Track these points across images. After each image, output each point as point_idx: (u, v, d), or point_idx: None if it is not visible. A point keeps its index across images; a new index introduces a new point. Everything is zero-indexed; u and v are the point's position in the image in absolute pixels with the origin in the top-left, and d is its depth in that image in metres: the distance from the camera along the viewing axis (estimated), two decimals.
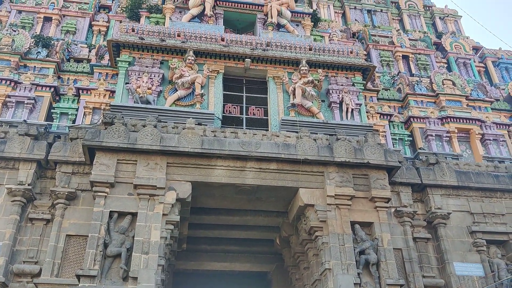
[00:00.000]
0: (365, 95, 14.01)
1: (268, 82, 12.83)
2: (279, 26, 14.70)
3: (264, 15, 14.83)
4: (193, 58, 12.20)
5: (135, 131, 10.11)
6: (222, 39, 12.95)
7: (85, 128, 10.80)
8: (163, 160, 9.94)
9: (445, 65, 16.78)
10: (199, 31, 12.97)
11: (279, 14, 14.66)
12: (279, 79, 12.73)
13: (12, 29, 13.50)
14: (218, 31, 13.46)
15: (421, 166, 11.81)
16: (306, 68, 12.54)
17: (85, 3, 15.66)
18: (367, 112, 13.50)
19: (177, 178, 9.92)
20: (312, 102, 12.39)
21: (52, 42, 13.67)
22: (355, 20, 18.01)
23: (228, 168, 10.14)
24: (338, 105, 12.52)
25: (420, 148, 13.32)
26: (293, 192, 10.50)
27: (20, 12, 15.04)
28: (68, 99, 12.65)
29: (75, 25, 14.98)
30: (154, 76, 11.98)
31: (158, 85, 11.92)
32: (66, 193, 9.82)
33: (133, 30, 12.56)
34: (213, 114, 11.56)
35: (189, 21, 14.07)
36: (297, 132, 10.95)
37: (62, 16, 15.14)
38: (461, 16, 19.07)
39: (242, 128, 11.88)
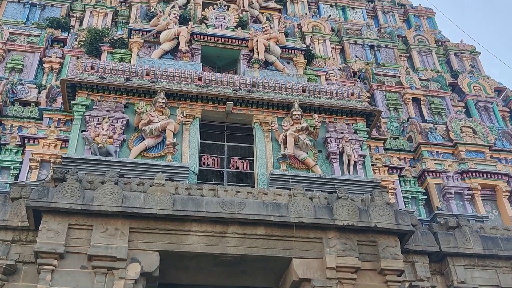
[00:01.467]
0: (369, 145, 14.23)
1: (254, 129, 13.01)
2: (266, 64, 15.10)
3: (249, 50, 15.26)
4: (164, 101, 12.38)
5: (92, 189, 10.06)
6: (200, 79, 13.22)
7: (30, 185, 10.70)
8: (125, 225, 9.83)
9: (463, 110, 17.24)
10: (172, 69, 13.25)
11: (267, 49, 15.10)
12: (267, 125, 12.92)
13: None
14: (194, 69, 13.78)
15: (440, 230, 11.86)
16: (299, 112, 12.78)
17: (35, 36, 15.98)
18: (372, 165, 13.66)
19: (142, 247, 9.78)
20: (307, 153, 12.54)
21: None
22: (356, 57, 18.61)
23: (205, 234, 10.06)
24: (338, 157, 12.69)
25: (437, 209, 13.42)
26: (286, 263, 10.39)
27: None
28: (11, 150, 12.59)
29: (22, 61, 15.19)
30: (117, 122, 12.08)
31: (121, 133, 11.99)
32: (4, 266, 9.59)
33: (92, 68, 12.76)
34: (188, 167, 11.61)
35: (160, 57, 14.38)
36: (289, 189, 10.98)
37: (6, 51, 15.38)
38: (480, 53, 19.85)
39: (223, 185, 11.87)
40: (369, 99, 15.67)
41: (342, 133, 13.06)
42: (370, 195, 11.22)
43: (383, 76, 17.65)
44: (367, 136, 13.56)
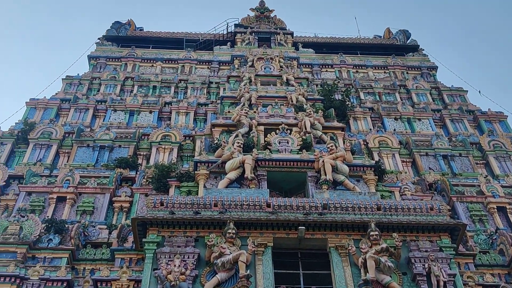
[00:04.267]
0: (458, 262, 13.63)
1: (330, 254, 12.83)
2: (335, 184, 15.20)
3: (316, 172, 15.48)
4: (234, 232, 12.56)
5: None
6: (268, 205, 13.42)
7: None
8: None
9: None
10: (240, 198, 13.56)
11: (334, 169, 15.27)
12: (344, 249, 12.74)
13: (21, 215, 14.51)
14: (262, 195, 14.01)
15: None
16: (376, 233, 12.59)
17: (104, 177, 16.97)
18: (465, 284, 12.99)
19: None
20: (391, 276, 12.11)
21: (66, 226, 14.47)
22: (429, 168, 18.49)
23: None
24: (425, 278, 12.18)
25: None
26: None
27: (29, 194, 16.37)
28: None
29: (93, 203, 16.06)
30: (188, 257, 12.27)
31: (193, 268, 12.12)
32: None
33: (162, 204, 13.27)
34: None
35: (227, 187, 14.82)
36: None
37: (78, 195, 16.33)
38: None
39: None
40: (451, 213, 15.28)
41: (426, 251, 12.64)
42: None
43: (461, 186, 17.35)
44: (454, 252, 13.04)
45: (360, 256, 12.32)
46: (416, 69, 25.94)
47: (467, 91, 23.82)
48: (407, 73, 25.62)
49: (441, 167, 18.54)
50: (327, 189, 14.81)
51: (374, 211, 13.41)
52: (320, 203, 13.49)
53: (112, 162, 17.91)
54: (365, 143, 19.20)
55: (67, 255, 13.52)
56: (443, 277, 12.09)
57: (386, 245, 12.42)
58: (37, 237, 13.87)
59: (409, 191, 16.47)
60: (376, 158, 18.29)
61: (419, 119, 21.37)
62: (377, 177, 15.84)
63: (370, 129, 20.50)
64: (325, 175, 15.11)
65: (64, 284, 12.82)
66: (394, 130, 20.49)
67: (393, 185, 16.45)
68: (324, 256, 13.02)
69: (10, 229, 13.89)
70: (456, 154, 19.11)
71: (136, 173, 17.36)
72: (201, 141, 17.83)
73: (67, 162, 18.11)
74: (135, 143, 18.81)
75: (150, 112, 21.17)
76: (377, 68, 25.97)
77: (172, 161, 17.69)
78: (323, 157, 15.51)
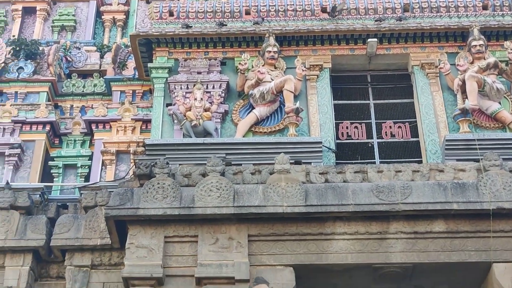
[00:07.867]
0: None
1: (412, 75, 12.96)
2: None
3: None
4: (276, 49, 12.59)
5: (190, 185, 10.51)
6: (323, 10, 13.30)
7: (107, 187, 11.38)
8: (242, 232, 10.20)
9: None
10: (282, 2, 13.41)
11: None
12: (433, 67, 12.78)
13: None
14: None
15: None
16: (481, 42, 12.47)
17: None
18: None
19: (268, 262, 10.07)
20: (500, 103, 12.24)
21: (41, 48, 14.74)
22: None
23: (356, 237, 10.20)
24: None
25: None
26: (482, 271, 10.31)
27: None
28: (75, 141, 13.52)
29: (73, 15, 16.21)
30: (213, 87, 12.50)
31: (221, 102, 12.41)
32: None
33: (171, 14, 13.26)
34: (320, 142, 11.78)
35: None
36: (477, 161, 10.84)
37: (52, 4, 16.37)
38: None
39: (374, 163, 11.96)
40: None
41: None
42: None
43: None
44: None
45: (456, 77, 12.36)
46: None
47: None
48: None
49: None
50: None
51: (478, 11, 13.25)
52: (400, 2, 13.36)
53: None
54: None
55: (47, 88, 13.99)
56: None
57: (494, 59, 12.40)
58: (2, 65, 14.25)
59: None
60: None
61: None
62: None
63: None
64: None
65: (47, 128, 13.40)
66: None
67: None
68: (404, 78, 13.21)
69: None
70: None
71: None
72: None
73: None
74: None
75: None
76: None
77: None
78: None
